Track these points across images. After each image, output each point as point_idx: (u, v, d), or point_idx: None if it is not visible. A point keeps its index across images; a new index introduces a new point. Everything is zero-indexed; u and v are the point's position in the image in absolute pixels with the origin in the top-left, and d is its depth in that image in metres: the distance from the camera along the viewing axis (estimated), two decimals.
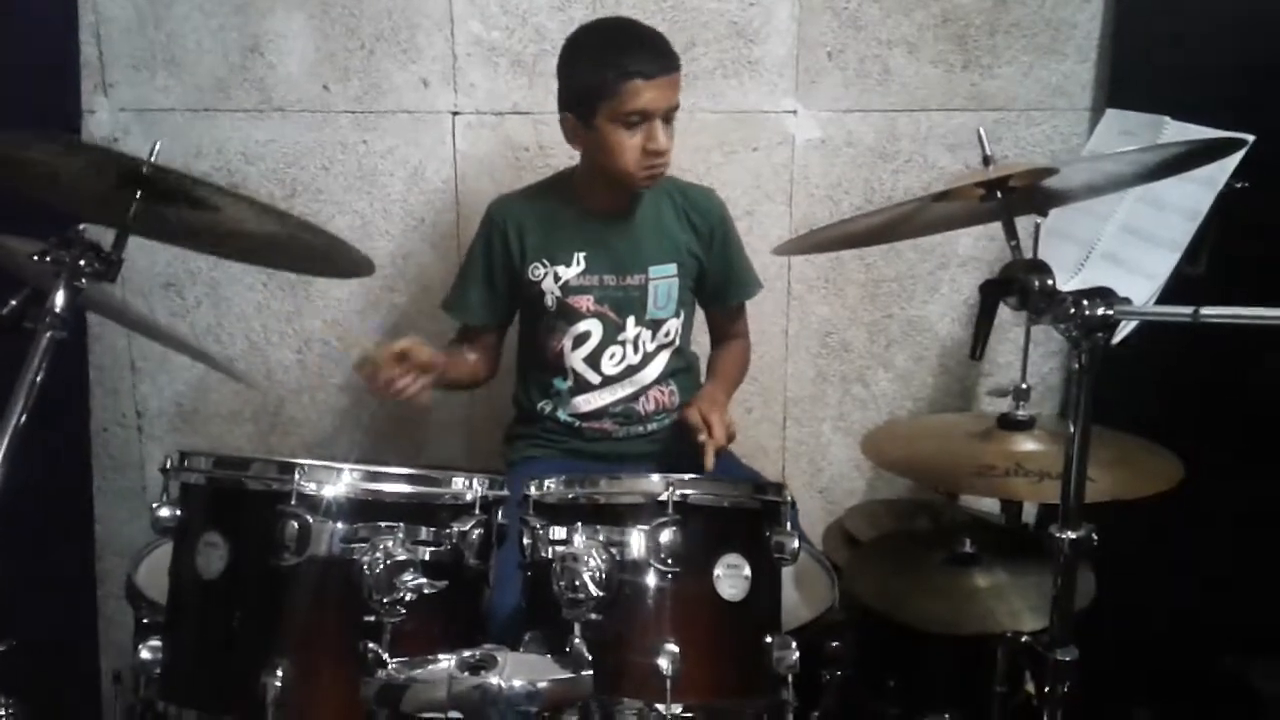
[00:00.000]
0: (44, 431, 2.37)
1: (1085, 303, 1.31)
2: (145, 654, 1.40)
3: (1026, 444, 1.76)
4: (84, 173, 1.45)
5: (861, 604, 1.71)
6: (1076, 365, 1.34)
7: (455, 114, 2.58)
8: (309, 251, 1.68)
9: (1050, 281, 1.37)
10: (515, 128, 2.58)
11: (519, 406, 2.32)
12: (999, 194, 1.44)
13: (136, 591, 1.78)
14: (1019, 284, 1.38)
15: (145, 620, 1.73)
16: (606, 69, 2.01)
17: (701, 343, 2.40)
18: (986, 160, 1.47)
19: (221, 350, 2.69)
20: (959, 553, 1.72)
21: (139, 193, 1.37)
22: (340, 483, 1.37)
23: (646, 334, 2.21)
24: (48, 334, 1.26)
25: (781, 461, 2.82)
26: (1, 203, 1.54)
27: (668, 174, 2.29)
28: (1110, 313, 1.30)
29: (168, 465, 1.45)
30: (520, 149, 2.59)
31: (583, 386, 2.21)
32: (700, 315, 2.36)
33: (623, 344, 2.20)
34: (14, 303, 1.40)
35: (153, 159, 1.35)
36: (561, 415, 2.23)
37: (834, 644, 1.74)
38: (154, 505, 1.43)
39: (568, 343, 2.19)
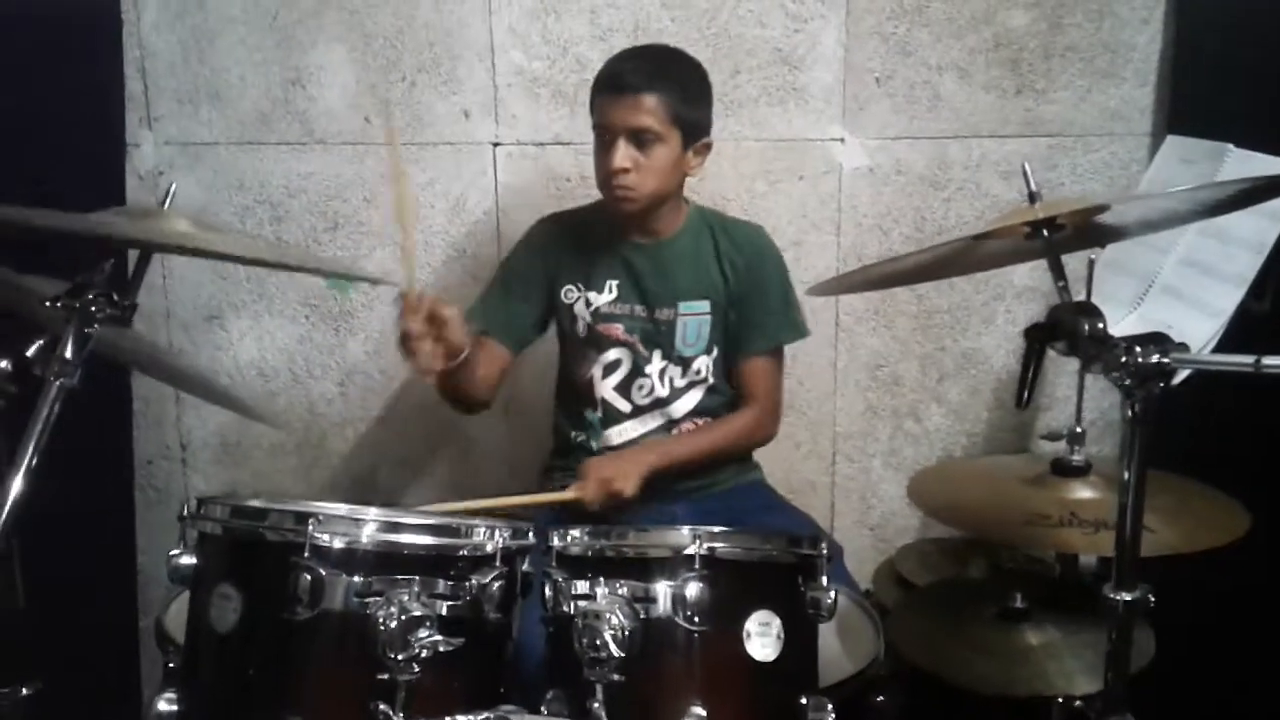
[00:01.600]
0: (86, 463, 2.42)
1: (1138, 349, 1.23)
2: (162, 705, 1.36)
3: (1082, 491, 1.67)
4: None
5: (906, 661, 1.62)
6: (1130, 414, 1.26)
7: (496, 145, 2.56)
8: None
9: (1100, 325, 1.29)
10: (557, 158, 2.55)
11: (556, 437, 2.29)
12: (1045, 233, 1.36)
13: (165, 635, 1.74)
14: (1067, 328, 1.30)
15: (171, 665, 1.70)
16: (594, 83, 2.07)
17: None
18: (1032, 197, 1.40)
19: (264, 384, 2.69)
20: (1010, 607, 1.63)
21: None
22: (355, 534, 1.32)
23: (675, 369, 2.16)
24: (57, 382, 1.22)
25: (830, 498, 2.74)
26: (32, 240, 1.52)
27: (714, 208, 2.27)
28: (1165, 360, 1.22)
29: (185, 513, 1.41)
30: (562, 180, 2.55)
31: (613, 417, 2.17)
32: None
33: (650, 377, 2.15)
34: (34, 348, 1.38)
35: (168, 204, 1.32)
36: (594, 446, 2.19)
37: (879, 699, 1.67)
38: (171, 553, 1.40)
39: (598, 371, 2.16)
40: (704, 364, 2.17)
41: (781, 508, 2.24)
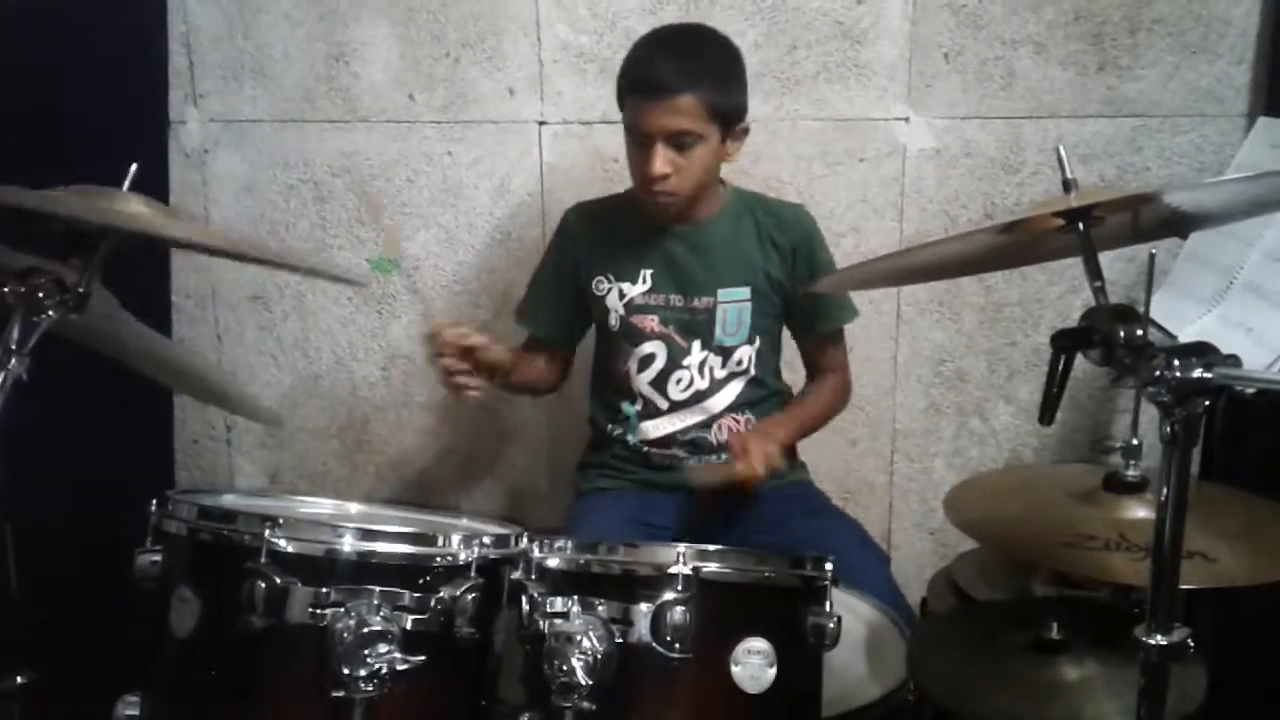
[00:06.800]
0: (127, 443, 2.41)
1: (1177, 362, 1.07)
2: (122, 709, 1.31)
3: (1135, 510, 1.49)
4: None
5: (920, 690, 1.48)
6: (1168, 434, 1.10)
7: (541, 124, 2.46)
8: None
9: (1139, 332, 1.13)
10: (604, 138, 2.44)
11: (592, 429, 2.21)
12: (1081, 225, 1.20)
13: None
14: (1101, 335, 1.15)
15: None
16: (621, 79, 1.95)
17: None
18: (1067, 185, 1.24)
19: (308, 365, 2.65)
20: (1044, 638, 1.48)
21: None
22: (317, 540, 1.24)
23: (715, 360, 2.05)
24: (1, 373, 1.16)
25: (889, 499, 2.59)
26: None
27: (756, 191, 2.15)
28: (1209, 376, 1.06)
29: (152, 508, 1.35)
30: (609, 160, 2.45)
31: (651, 411, 2.08)
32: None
33: (688, 369, 2.05)
34: None
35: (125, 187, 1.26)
36: (630, 439, 2.10)
37: None
38: (136, 551, 1.34)
39: (633, 364, 2.07)
40: (746, 354, 2.06)
41: (825, 511, 2.11)
